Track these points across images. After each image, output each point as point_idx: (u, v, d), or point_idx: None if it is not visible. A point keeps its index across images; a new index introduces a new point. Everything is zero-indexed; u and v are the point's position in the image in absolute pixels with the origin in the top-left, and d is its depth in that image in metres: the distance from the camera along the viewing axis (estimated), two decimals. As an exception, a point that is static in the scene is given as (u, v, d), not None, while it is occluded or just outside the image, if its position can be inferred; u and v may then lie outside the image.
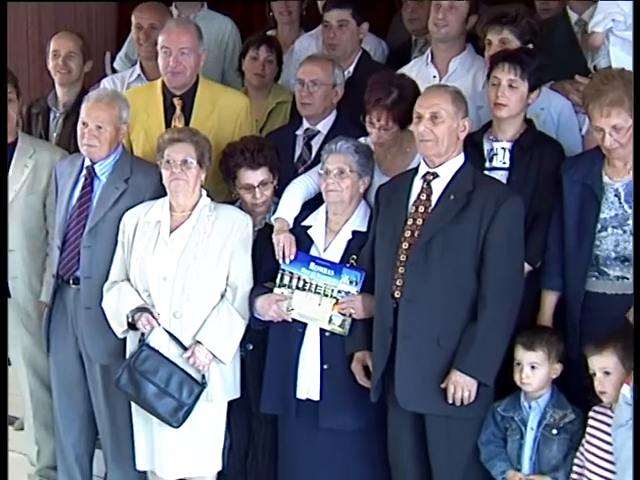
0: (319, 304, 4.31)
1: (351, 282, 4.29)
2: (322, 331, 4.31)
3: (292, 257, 4.35)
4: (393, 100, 4.37)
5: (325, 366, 4.30)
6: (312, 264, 4.33)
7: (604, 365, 3.74)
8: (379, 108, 4.38)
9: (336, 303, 4.29)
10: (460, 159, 4.10)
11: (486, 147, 4.33)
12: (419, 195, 4.09)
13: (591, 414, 3.86)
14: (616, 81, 3.99)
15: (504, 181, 4.25)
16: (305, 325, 4.35)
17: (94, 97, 4.73)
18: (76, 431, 4.89)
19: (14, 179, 4.92)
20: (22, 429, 5.31)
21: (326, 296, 4.30)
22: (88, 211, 4.67)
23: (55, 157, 5.02)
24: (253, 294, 4.41)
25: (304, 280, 4.34)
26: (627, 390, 3.59)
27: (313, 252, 4.39)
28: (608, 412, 3.79)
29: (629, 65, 4.24)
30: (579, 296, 4.13)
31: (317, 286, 4.32)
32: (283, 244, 4.36)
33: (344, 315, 4.28)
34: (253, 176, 4.56)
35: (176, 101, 4.95)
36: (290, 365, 4.34)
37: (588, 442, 3.83)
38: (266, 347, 4.45)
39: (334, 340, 4.30)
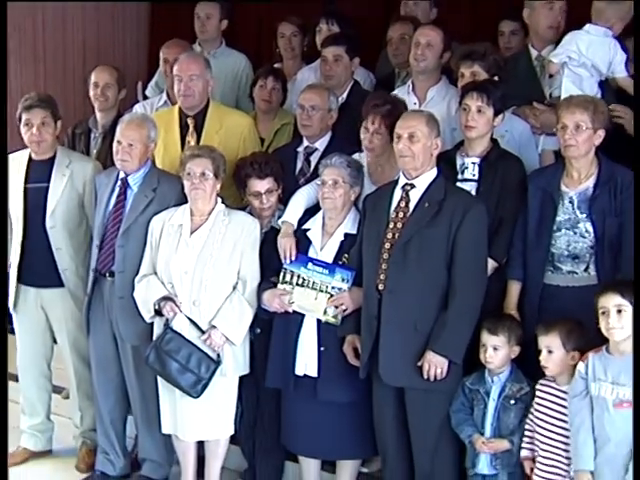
0: (315, 298, 4.28)
1: (343, 279, 4.26)
2: (319, 320, 4.28)
3: (293, 258, 4.33)
4: (387, 109, 4.38)
5: (322, 348, 4.27)
6: (310, 264, 4.31)
7: (548, 344, 3.78)
8: (374, 112, 4.40)
9: (330, 297, 4.26)
10: (434, 172, 4.08)
11: (459, 162, 4.30)
12: (399, 203, 4.07)
13: (538, 387, 3.88)
14: (587, 96, 4.09)
15: (474, 191, 4.21)
16: (303, 315, 4.32)
17: (127, 120, 4.73)
18: (111, 400, 4.86)
19: (55, 187, 4.89)
20: (68, 398, 5.27)
21: (321, 291, 4.27)
22: (122, 216, 4.65)
23: (88, 166, 5.00)
24: (261, 288, 4.40)
25: (303, 278, 4.31)
26: (582, 366, 3.63)
27: (311, 251, 4.36)
28: (552, 384, 3.84)
29: None
30: (538, 287, 4.12)
31: (314, 283, 4.29)
32: (285, 247, 4.35)
33: (336, 308, 4.25)
34: (260, 185, 4.54)
35: (189, 121, 4.95)
36: (290, 347, 4.31)
37: (536, 410, 3.86)
38: (271, 331, 4.42)
39: (329, 327, 4.27)
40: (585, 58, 4.40)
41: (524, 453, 3.89)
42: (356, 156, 4.51)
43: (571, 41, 4.44)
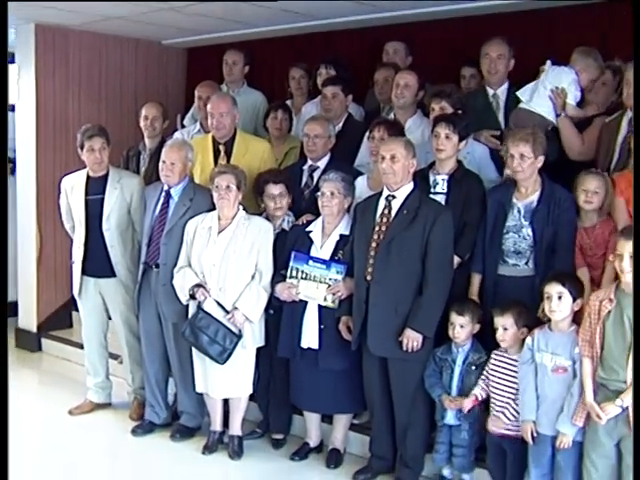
0: (317, 288, 4.13)
1: (337, 272, 4.11)
2: (320, 305, 4.15)
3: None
4: (390, 123, 4.38)
5: (322, 326, 4.14)
6: (310, 262, 4.17)
7: (504, 323, 3.70)
8: (381, 123, 4.36)
9: (328, 287, 4.11)
10: (410, 186, 3.96)
11: (431, 178, 4.14)
12: (383, 210, 3.95)
13: (493, 356, 3.80)
14: (527, 129, 3.92)
15: (443, 202, 4.06)
16: (307, 302, 4.20)
17: (170, 144, 4.65)
18: (156, 365, 4.74)
19: (110, 197, 4.76)
20: (122, 363, 5.15)
21: (321, 283, 4.13)
22: (165, 220, 4.53)
23: (134, 181, 4.88)
24: (274, 281, 4.27)
25: (306, 273, 4.16)
26: (529, 340, 3.58)
27: (313, 249, 4.21)
28: (505, 354, 3.76)
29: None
30: (493, 277, 3.98)
31: (315, 276, 4.14)
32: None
33: (334, 295, 4.11)
34: (275, 188, 4.40)
35: (221, 147, 4.80)
36: (296, 325, 4.19)
37: (491, 374, 3.79)
38: (282, 313, 4.28)
39: (327, 310, 4.14)
40: (546, 83, 4.24)
41: (476, 391, 3.80)
42: (359, 179, 4.38)
43: (554, 71, 4.29)
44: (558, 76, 4.24)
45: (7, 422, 3.17)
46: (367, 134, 4.48)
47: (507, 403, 3.67)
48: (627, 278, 3.23)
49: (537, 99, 4.27)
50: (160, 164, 4.55)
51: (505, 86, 4.58)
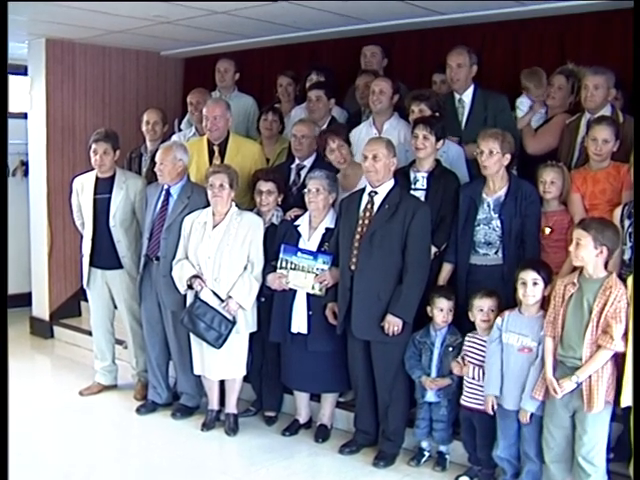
0: (305, 278, 4.00)
1: (324, 262, 3.98)
2: (308, 293, 4.01)
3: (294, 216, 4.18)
4: (336, 129, 4.33)
5: (310, 313, 4.01)
6: (299, 253, 4.03)
7: (479, 306, 3.63)
8: (330, 134, 4.26)
9: (316, 276, 3.98)
10: (391, 182, 3.83)
11: (412, 175, 4.03)
12: (366, 205, 3.82)
13: (467, 337, 3.71)
14: (499, 130, 3.83)
15: (423, 197, 3.95)
16: (296, 290, 4.06)
17: (161, 147, 4.54)
18: (157, 350, 4.59)
19: (116, 196, 4.64)
20: (126, 348, 4.99)
21: (309, 272, 3.99)
22: (165, 216, 4.38)
23: (138, 182, 4.73)
24: (265, 272, 4.13)
25: (295, 263, 4.03)
26: (499, 320, 3.49)
27: (301, 242, 4.07)
28: (477, 335, 3.65)
29: None
30: (465, 266, 3.86)
31: (303, 267, 4.00)
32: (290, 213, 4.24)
33: (321, 284, 3.97)
34: (264, 185, 4.25)
35: (215, 148, 4.66)
36: (287, 312, 4.06)
37: (466, 355, 3.68)
38: (273, 301, 4.14)
39: (315, 297, 4.01)
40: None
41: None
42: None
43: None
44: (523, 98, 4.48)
45: (7, 412, 3.01)
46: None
47: (477, 379, 3.58)
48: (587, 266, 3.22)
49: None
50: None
51: (471, 90, 4.43)
